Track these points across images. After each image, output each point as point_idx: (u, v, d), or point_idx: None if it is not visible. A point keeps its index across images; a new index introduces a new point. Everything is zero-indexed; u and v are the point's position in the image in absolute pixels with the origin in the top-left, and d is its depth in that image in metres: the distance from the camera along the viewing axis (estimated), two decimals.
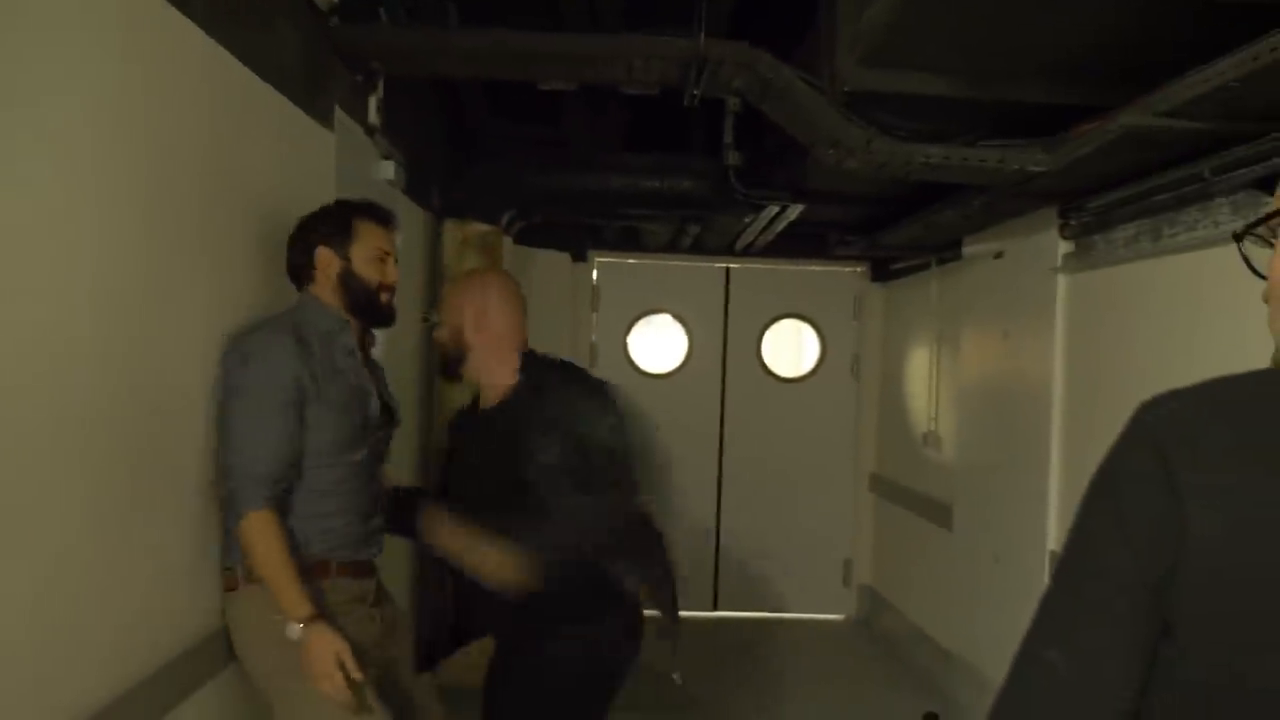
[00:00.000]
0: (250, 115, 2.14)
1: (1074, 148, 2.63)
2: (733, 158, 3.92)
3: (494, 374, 2.25)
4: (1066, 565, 0.81)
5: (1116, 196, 2.96)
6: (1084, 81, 2.62)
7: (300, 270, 2.11)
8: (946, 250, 4.45)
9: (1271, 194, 0.89)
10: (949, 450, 4.42)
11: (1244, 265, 0.92)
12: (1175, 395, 0.79)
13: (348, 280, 2.09)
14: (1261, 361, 2.47)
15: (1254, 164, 2.37)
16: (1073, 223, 3.27)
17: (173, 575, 1.87)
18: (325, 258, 2.07)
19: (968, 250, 4.18)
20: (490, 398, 2.27)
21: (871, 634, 5.41)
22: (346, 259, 2.08)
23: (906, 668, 4.77)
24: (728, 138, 3.80)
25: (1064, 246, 3.35)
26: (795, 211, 4.17)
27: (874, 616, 5.51)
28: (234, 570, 1.99)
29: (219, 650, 2.01)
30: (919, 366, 4.95)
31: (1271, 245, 0.89)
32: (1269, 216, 0.88)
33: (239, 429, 1.91)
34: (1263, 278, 0.90)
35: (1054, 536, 3.31)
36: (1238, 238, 0.93)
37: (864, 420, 5.65)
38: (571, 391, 2.23)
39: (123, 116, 1.63)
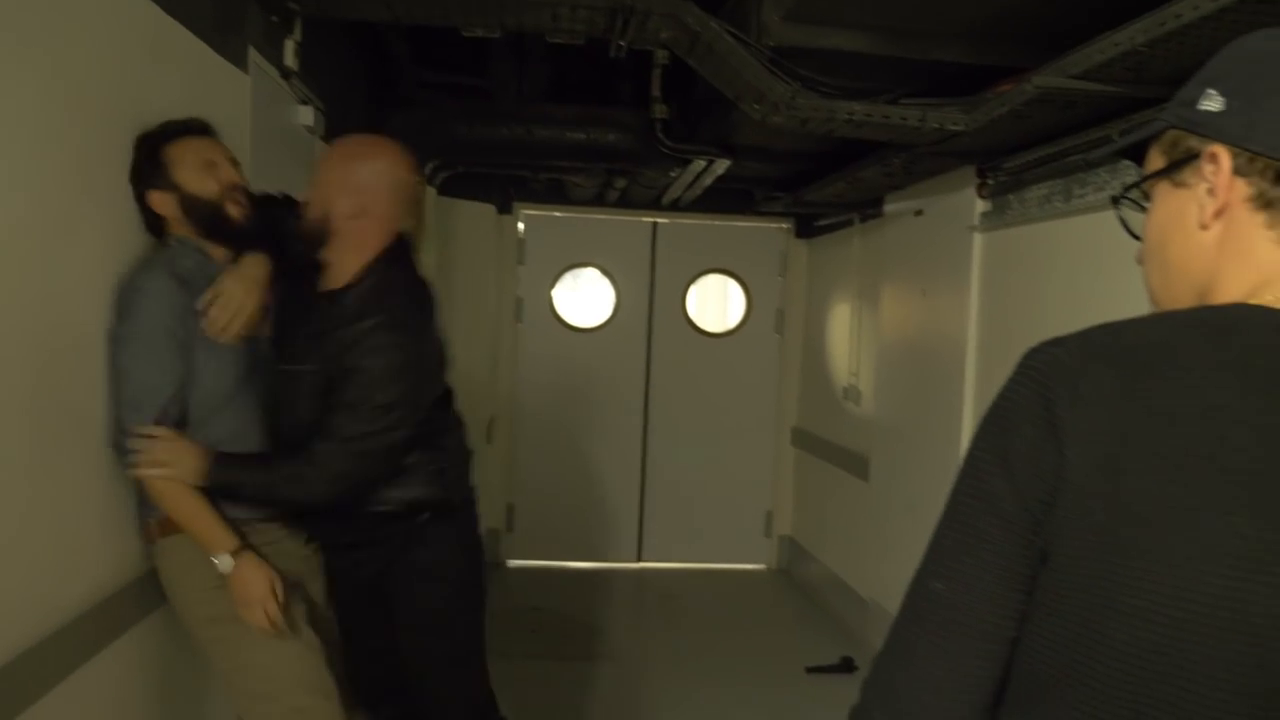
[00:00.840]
0: (157, 52, 2.06)
1: (991, 108, 2.69)
2: (660, 111, 3.91)
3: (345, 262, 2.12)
4: (954, 500, 0.86)
5: (1031, 157, 3.03)
6: (1003, 43, 2.67)
7: (152, 226, 2.00)
8: (869, 208, 4.52)
9: (1140, 164, 0.92)
10: (868, 404, 4.53)
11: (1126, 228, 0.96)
12: (1058, 342, 0.83)
13: (188, 207, 1.96)
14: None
15: None
16: (990, 182, 3.35)
17: (84, 524, 1.83)
18: (158, 200, 1.95)
19: (889, 208, 4.25)
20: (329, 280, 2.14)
21: (791, 583, 5.56)
22: (175, 187, 1.95)
23: (825, 615, 4.91)
24: (655, 90, 3.78)
25: (981, 205, 3.43)
26: (722, 167, 4.18)
27: (794, 566, 5.65)
28: (150, 522, 1.95)
29: (140, 598, 1.97)
30: (841, 322, 5.04)
31: (1144, 209, 0.93)
32: (1143, 180, 0.93)
33: (126, 370, 1.85)
34: (1139, 239, 0.94)
35: None
36: (1115, 201, 0.97)
37: (787, 375, 5.74)
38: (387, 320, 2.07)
39: (18, 50, 1.55)
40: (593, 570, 5.56)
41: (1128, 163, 2.75)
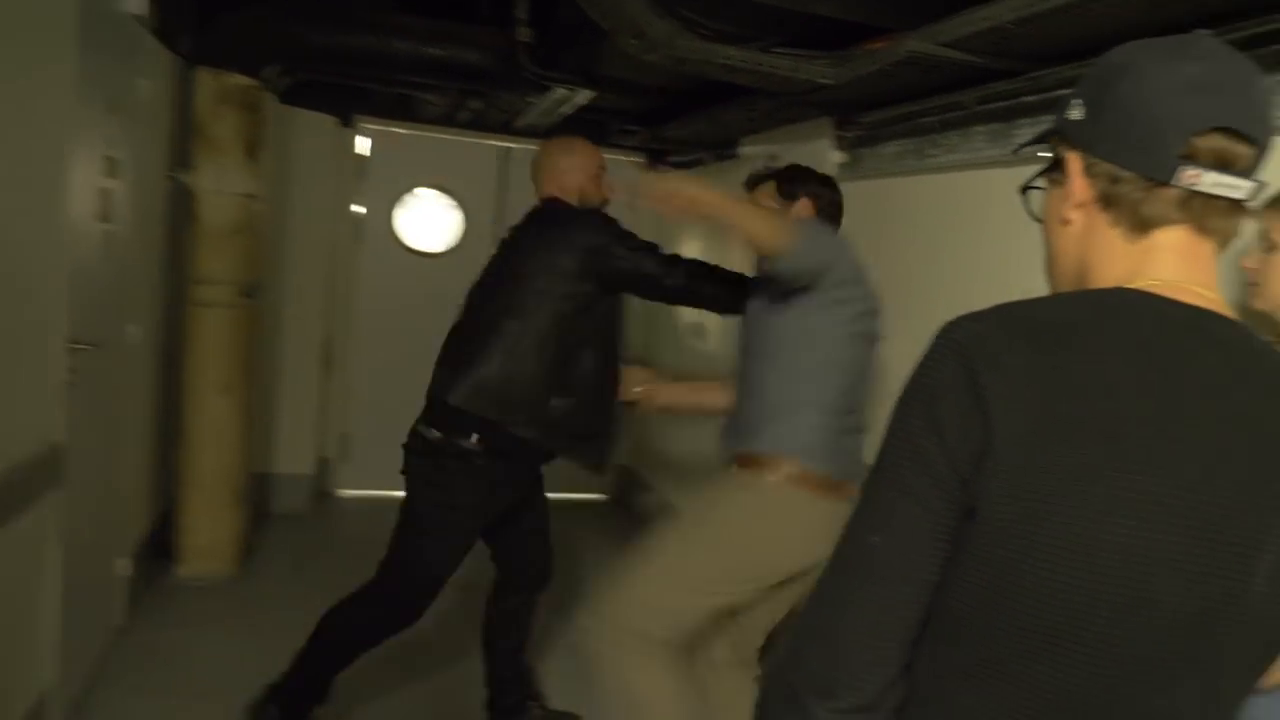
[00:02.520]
0: None
1: (860, 65, 2.77)
2: (524, 34, 3.80)
3: None
4: (888, 461, 0.92)
5: (888, 114, 3.16)
6: (875, 2, 2.74)
7: None
8: (724, 148, 4.58)
9: (1049, 148, 1.01)
10: (713, 340, 4.65)
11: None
12: (976, 317, 0.90)
13: None
14: (998, 275, 2.76)
15: (1009, 99, 2.61)
16: (847, 135, 3.47)
17: None
18: None
19: (745, 150, 4.33)
20: None
21: (628, 512, 5.70)
22: None
23: None
24: (520, 12, 3.67)
25: (837, 156, 3.54)
26: (585, 97, 4.12)
27: (629, 495, 5.80)
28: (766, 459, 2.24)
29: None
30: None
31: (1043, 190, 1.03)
32: (1035, 176, 1.02)
33: None
34: (1038, 220, 1.03)
35: None
36: (1022, 191, 1.06)
37: (631, 306, 5.78)
38: None
39: None
40: None
41: (978, 128, 2.89)
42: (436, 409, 2.67)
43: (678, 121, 4.34)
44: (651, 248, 2.70)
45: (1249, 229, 1.62)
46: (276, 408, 4.97)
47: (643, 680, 2.24)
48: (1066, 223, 0.97)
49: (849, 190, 3.51)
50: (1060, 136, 0.97)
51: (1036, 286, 0.97)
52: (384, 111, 5.20)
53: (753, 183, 2.63)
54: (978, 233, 2.81)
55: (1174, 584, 0.83)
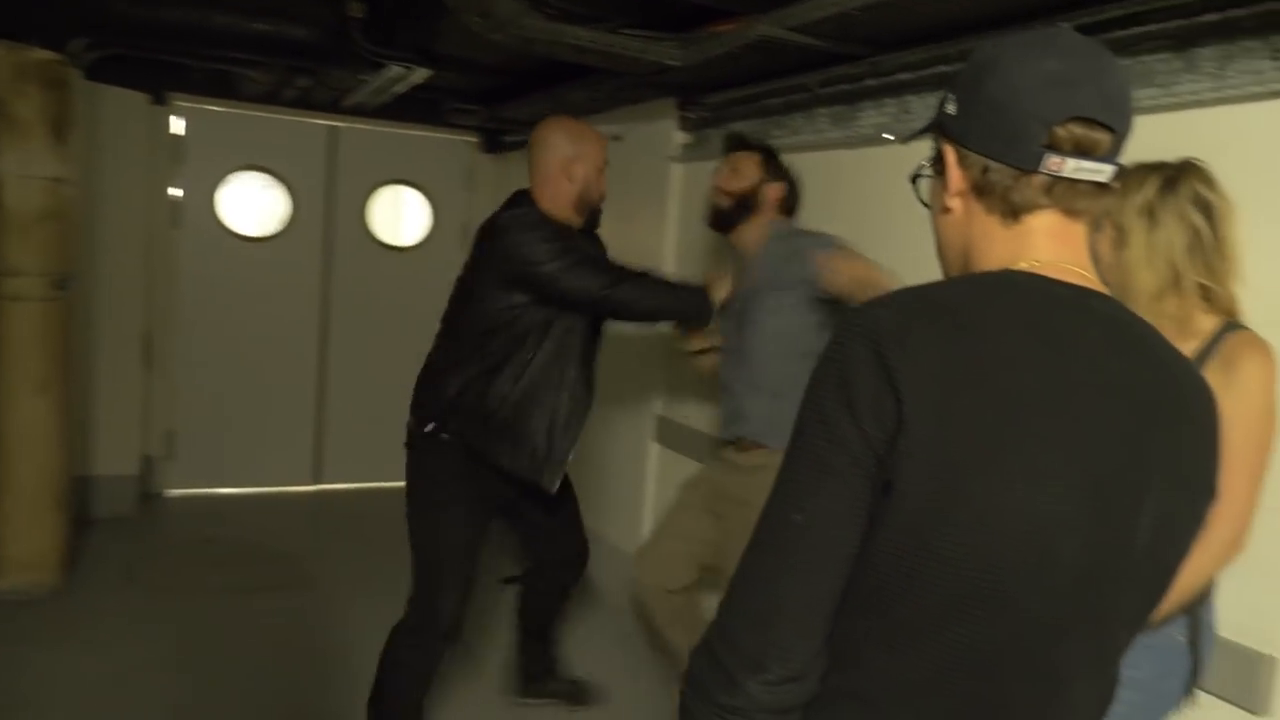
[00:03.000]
0: None
1: (708, 47, 2.84)
2: (356, 9, 3.66)
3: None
4: (805, 442, 0.96)
5: (733, 95, 3.25)
6: None
7: None
8: None
9: (931, 139, 1.08)
10: None
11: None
12: (880, 303, 0.96)
13: None
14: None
15: (852, 82, 2.74)
16: (691, 116, 3.54)
17: None
18: None
19: None
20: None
21: None
22: None
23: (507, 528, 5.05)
24: None
25: (681, 137, 3.62)
26: (421, 75, 4.00)
27: None
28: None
29: None
30: None
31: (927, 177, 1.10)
32: (921, 166, 1.09)
33: None
34: (928, 207, 1.10)
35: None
36: (913, 180, 1.13)
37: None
38: None
39: None
40: (266, 495, 5.28)
41: (821, 110, 3.02)
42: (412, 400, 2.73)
43: (517, 101, 4.30)
44: (594, 261, 2.59)
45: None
46: (96, 406, 4.61)
47: None
48: (948, 210, 1.04)
49: (693, 171, 3.61)
50: (939, 130, 1.04)
51: (884, 263, 1.03)
52: (201, 89, 4.88)
53: (735, 145, 2.66)
54: (821, 212, 2.94)
55: (1071, 544, 0.90)
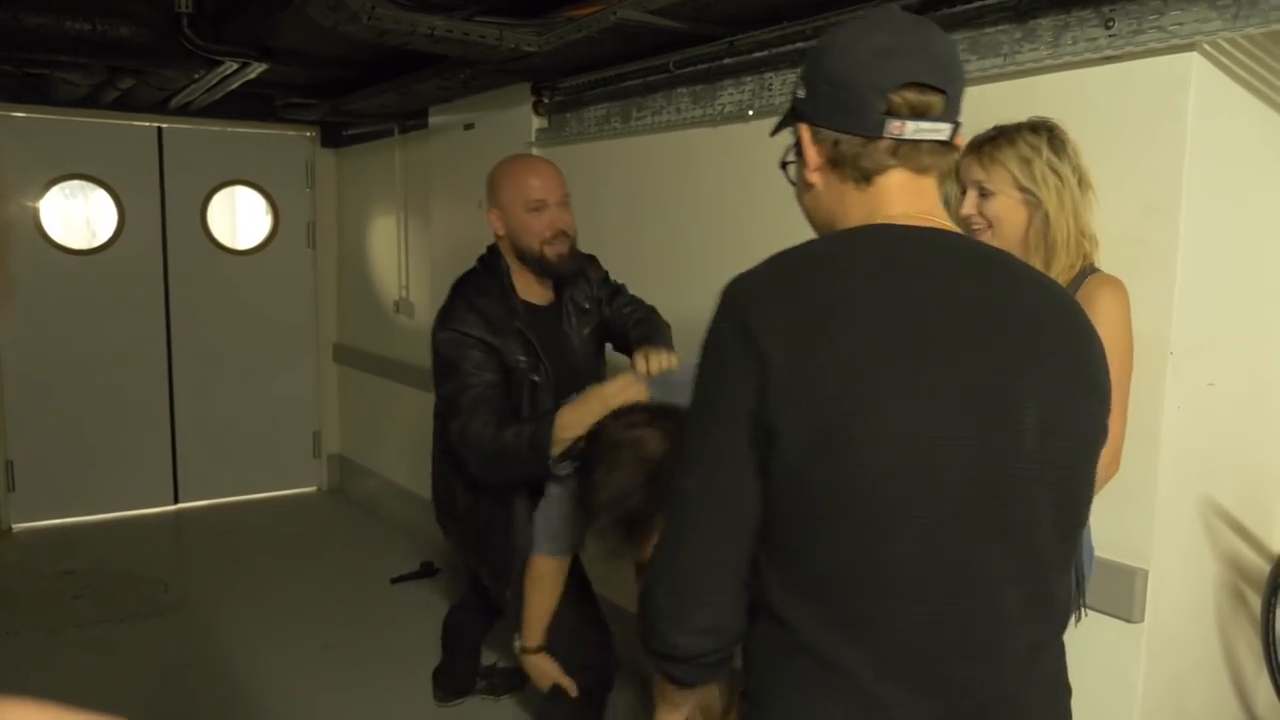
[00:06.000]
0: None
1: (566, 32, 2.86)
2: (184, 4, 3.49)
3: None
4: (693, 416, 1.06)
5: (589, 79, 3.28)
6: None
7: None
8: (411, 119, 4.49)
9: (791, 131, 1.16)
10: (423, 316, 4.60)
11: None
12: (749, 274, 1.05)
13: None
14: (710, 230, 3.04)
15: (710, 62, 2.83)
16: (546, 100, 3.55)
17: None
18: None
19: (436, 120, 4.28)
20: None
21: (347, 500, 5.52)
22: None
23: (392, 526, 4.98)
24: None
25: (537, 122, 3.63)
26: (257, 70, 3.86)
27: (347, 483, 5.61)
28: None
29: None
30: (385, 235, 4.99)
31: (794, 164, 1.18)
32: (788, 151, 1.18)
33: None
34: (795, 186, 1.19)
35: None
36: (783, 166, 1.20)
37: (323, 290, 5.56)
38: None
39: None
40: (125, 519, 5.01)
41: (682, 90, 3.10)
42: None
43: (361, 93, 4.20)
44: (467, 388, 2.28)
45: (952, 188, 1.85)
46: None
47: None
48: (811, 186, 1.12)
49: (550, 154, 3.63)
50: (795, 114, 1.13)
51: (747, 240, 1.11)
52: (7, 94, 4.53)
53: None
54: (684, 191, 3.03)
55: (953, 453, 0.97)
